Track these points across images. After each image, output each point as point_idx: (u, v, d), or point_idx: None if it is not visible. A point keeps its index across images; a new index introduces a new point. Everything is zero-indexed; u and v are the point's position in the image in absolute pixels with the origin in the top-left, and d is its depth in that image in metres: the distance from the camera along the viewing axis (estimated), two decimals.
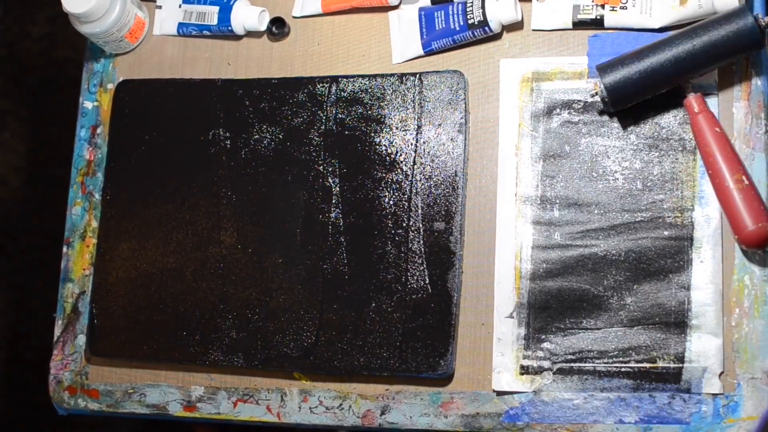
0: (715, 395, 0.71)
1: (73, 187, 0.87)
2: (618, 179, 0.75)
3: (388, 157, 0.79)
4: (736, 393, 0.71)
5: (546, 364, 0.73)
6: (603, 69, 0.73)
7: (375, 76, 0.80)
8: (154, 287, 0.82)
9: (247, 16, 0.84)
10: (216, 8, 0.85)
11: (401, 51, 0.82)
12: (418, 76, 0.79)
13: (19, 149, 1.64)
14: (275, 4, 0.86)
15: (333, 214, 0.79)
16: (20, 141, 1.64)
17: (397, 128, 0.79)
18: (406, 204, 0.77)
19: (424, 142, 0.78)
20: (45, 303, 1.05)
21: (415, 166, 0.78)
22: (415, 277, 0.76)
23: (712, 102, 0.74)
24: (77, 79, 0.91)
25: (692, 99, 0.73)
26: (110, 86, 0.88)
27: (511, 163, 0.77)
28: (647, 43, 0.73)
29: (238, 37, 0.86)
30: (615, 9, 0.77)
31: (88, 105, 0.88)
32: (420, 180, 0.78)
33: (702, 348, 0.71)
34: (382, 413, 0.77)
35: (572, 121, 0.77)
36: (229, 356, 0.78)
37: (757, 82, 0.74)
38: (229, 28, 0.85)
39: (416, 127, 0.79)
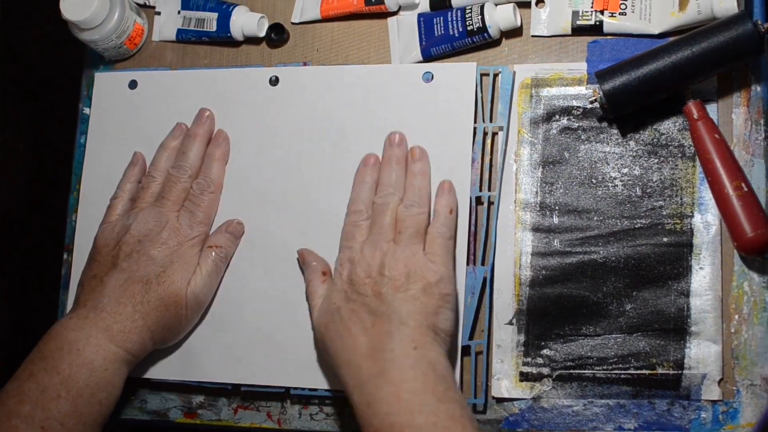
0: (714, 402, 0.71)
1: (74, 193, 0.87)
2: (617, 186, 0.75)
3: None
4: (735, 400, 0.71)
5: (545, 370, 0.74)
6: (602, 75, 0.73)
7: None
8: None
9: (246, 23, 0.84)
10: (215, 15, 0.85)
11: (400, 57, 0.82)
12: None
13: (19, 149, 1.64)
14: (274, 10, 0.86)
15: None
16: (20, 141, 1.64)
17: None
18: None
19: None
20: (45, 303, 1.05)
21: None
22: None
23: (712, 108, 0.74)
24: (77, 78, 0.91)
25: (692, 105, 0.73)
26: None
27: (511, 169, 0.77)
28: (646, 50, 0.73)
29: (237, 44, 0.86)
30: (614, 15, 0.77)
31: (88, 111, 0.88)
32: None
33: (701, 355, 0.71)
34: None
35: (571, 127, 0.77)
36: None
37: (756, 88, 0.74)
38: (228, 34, 0.85)
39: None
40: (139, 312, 0.73)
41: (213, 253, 0.77)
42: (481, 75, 0.78)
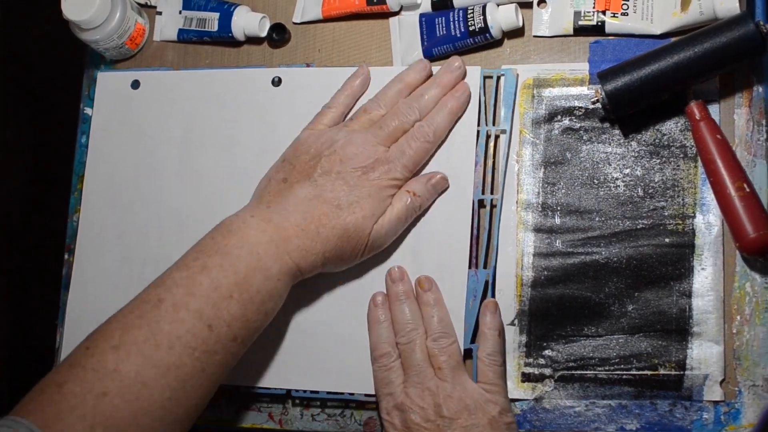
0: (716, 402, 0.71)
1: (74, 194, 0.87)
2: (619, 186, 0.75)
3: None
4: (737, 400, 0.71)
5: (547, 371, 0.74)
6: (604, 76, 0.73)
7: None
8: None
9: (247, 23, 0.84)
10: (216, 15, 0.85)
11: (402, 57, 0.82)
12: None
13: (19, 149, 1.64)
14: (276, 10, 0.86)
15: None
16: (20, 141, 1.64)
17: None
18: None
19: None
20: (45, 303, 1.05)
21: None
22: None
23: (714, 109, 0.74)
24: (78, 78, 0.91)
25: (693, 106, 0.73)
26: None
27: (512, 170, 0.77)
28: (648, 50, 0.73)
29: (238, 44, 0.86)
30: (616, 15, 0.77)
31: (89, 111, 0.88)
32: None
33: (703, 355, 0.71)
34: None
35: (573, 127, 0.77)
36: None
37: (758, 89, 0.74)
38: (230, 34, 0.85)
39: None
40: (321, 235, 0.68)
41: (408, 199, 0.72)
42: (484, 77, 0.78)
